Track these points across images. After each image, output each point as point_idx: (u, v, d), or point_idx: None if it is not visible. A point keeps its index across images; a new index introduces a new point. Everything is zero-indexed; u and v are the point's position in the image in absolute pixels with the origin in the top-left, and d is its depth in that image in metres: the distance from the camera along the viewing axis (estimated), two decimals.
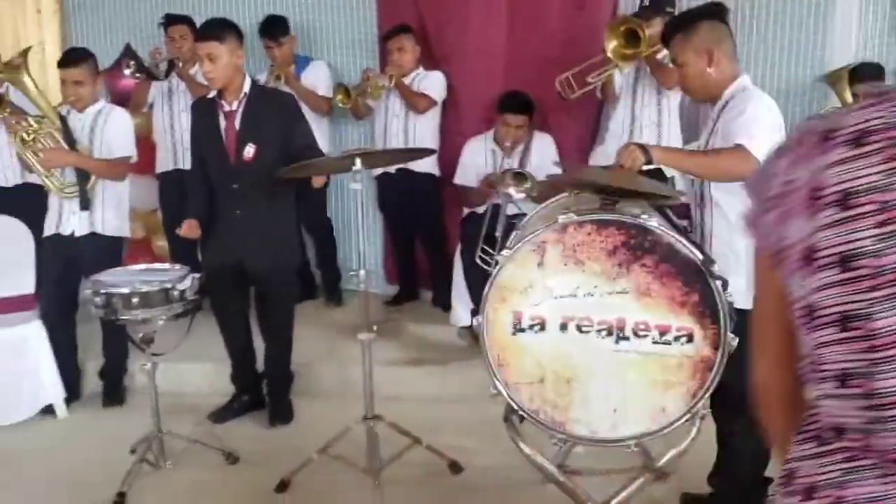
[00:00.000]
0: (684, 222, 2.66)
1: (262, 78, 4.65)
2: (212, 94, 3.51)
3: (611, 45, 3.90)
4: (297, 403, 3.81)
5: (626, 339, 2.37)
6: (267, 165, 3.39)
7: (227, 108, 3.47)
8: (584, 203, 2.59)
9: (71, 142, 3.83)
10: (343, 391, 3.94)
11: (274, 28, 4.68)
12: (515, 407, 2.45)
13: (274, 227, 3.53)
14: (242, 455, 3.38)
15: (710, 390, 2.31)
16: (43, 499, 3.15)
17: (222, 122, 3.47)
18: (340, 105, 4.54)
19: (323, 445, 3.08)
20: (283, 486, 3.06)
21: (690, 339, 2.31)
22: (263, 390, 3.81)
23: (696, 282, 2.28)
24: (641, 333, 2.35)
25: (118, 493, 3.04)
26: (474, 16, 4.56)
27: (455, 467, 3.15)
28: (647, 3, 4.13)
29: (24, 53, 4.02)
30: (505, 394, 2.44)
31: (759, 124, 2.37)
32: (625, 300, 2.35)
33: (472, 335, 4.10)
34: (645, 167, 2.48)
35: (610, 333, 2.37)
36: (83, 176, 3.82)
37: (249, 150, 3.43)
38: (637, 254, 2.32)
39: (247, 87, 3.47)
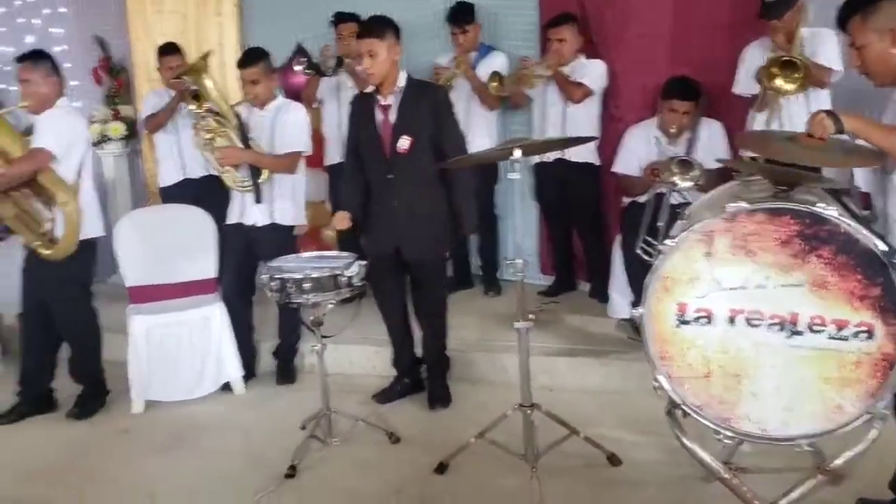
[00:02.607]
0: (866, 212, 2.50)
1: (443, 61, 4.75)
2: (370, 88, 3.63)
3: (773, 84, 3.72)
4: (455, 389, 3.89)
5: (800, 333, 2.26)
6: (420, 156, 3.52)
7: (382, 102, 3.58)
8: (755, 191, 2.48)
9: (245, 139, 4.06)
10: (499, 379, 4.01)
11: (460, 15, 4.74)
12: (679, 401, 2.39)
13: (427, 215, 3.62)
14: (403, 435, 3.50)
15: (893, 389, 2.16)
16: (223, 467, 3.38)
17: (378, 116, 3.59)
18: (494, 92, 4.56)
19: (480, 431, 3.13)
20: (442, 468, 3.14)
21: (870, 334, 2.17)
22: (423, 374, 3.91)
23: (878, 275, 2.15)
24: (816, 328, 2.24)
25: (290, 466, 3.22)
26: (637, 0, 4.46)
27: (613, 460, 3.11)
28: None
29: (205, 56, 4.32)
30: (668, 388, 2.39)
31: None
32: (799, 293, 2.24)
33: (632, 327, 4.05)
34: (835, 135, 2.35)
35: (782, 328, 2.27)
36: (256, 172, 4.06)
37: (404, 143, 3.54)
38: (813, 244, 2.21)
39: (402, 82, 3.56)
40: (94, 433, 3.84)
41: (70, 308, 3.96)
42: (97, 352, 4.08)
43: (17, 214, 3.80)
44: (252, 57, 4.09)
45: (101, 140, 5.91)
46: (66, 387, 4.10)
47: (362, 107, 3.67)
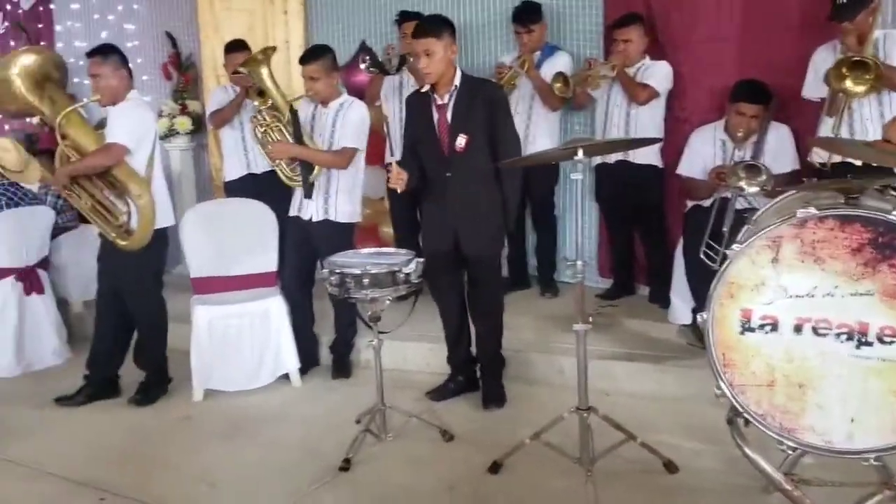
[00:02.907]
0: None
1: (507, 60, 4.74)
2: (425, 88, 3.65)
3: (842, 85, 3.61)
4: (509, 389, 3.87)
5: (869, 344, 2.20)
6: (477, 154, 3.53)
7: (439, 101, 3.60)
8: (824, 197, 2.42)
9: (298, 134, 4.12)
10: (556, 381, 3.99)
11: (525, 14, 4.71)
12: (741, 410, 2.34)
13: (484, 212, 3.62)
14: (457, 434, 3.50)
15: None
16: (279, 457, 3.43)
17: (435, 115, 3.61)
18: (558, 93, 4.53)
19: (535, 432, 3.11)
20: (495, 468, 3.13)
21: None
22: (477, 373, 3.91)
23: None
24: (887, 339, 2.18)
25: (344, 459, 3.25)
26: (706, 1, 4.38)
27: (671, 467, 3.06)
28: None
29: (265, 50, 4.42)
30: (730, 395, 2.35)
31: None
32: (869, 303, 2.19)
33: (693, 334, 3.99)
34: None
35: (850, 338, 2.21)
36: (306, 167, 4.11)
37: (461, 141, 3.55)
38: (885, 253, 2.15)
39: (457, 81, 3.57)
40: (157, 419, 3.94)
41: (142, 296, 4.07)
42: (163, 340, 4.19)
43: (93, 206, 3.92)
44: (313, 53, 4.16)
45: (169, 134, 6.07)
46: (130, 373, 4.21)
47: (419, 106, 3.69)
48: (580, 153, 2.80)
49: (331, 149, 4.12)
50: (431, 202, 3.72)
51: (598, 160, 4.56)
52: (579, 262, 2.92)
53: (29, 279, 4.79)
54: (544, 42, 4.78)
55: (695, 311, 3.89)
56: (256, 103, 4.52)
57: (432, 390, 3.94)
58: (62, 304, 5.14)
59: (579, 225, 2.98)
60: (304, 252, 4.23)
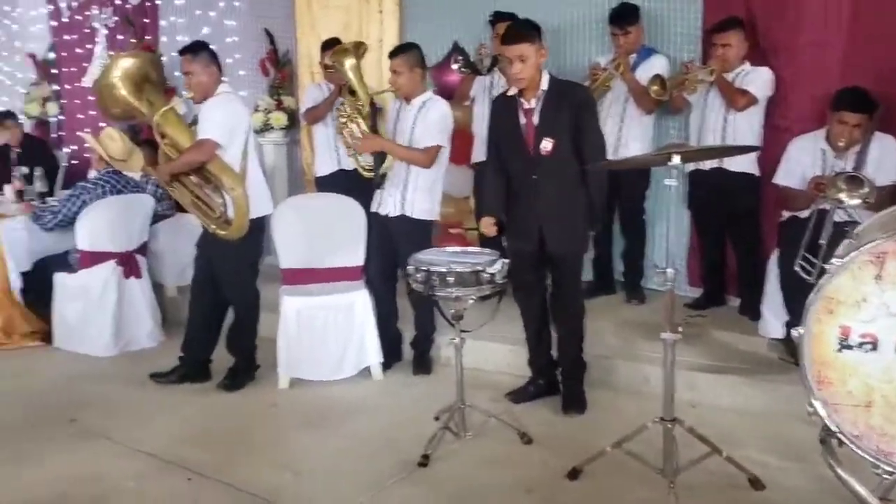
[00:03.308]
0: None
1: (602, 61, 4.71)
2: (512, 91, 3.64)
3: None
4: (591, 395, 3.83)
5: None
6: (563, 157, 3.52)
7: (526, 105, 3.58)
8: None
9: (374, 129, 4.23)
10: (638, 389, 3.93)
11: (622, 16, 4.65)
12: (835, 430, 2.26)
13: (570, 213, 3.60)
14: (536, 437, 3.48)
15: None
16: (360, 449, 3.49)
17: (522, 119, 3.60)
18: (654, 96, 4.45)
19: (617, 440, 3.07)
20: (574, 474, 3.11)
21: None
22: (558, 377, 3.88)
23: None
24: None
25: (423, 455, 3.29)
26: (810, 5, 4.23)
27: (756, 483, 2.97)
28: None
29: (356, 44, 4.54)
30: (824, 414, 2.27)
31: None
32: None
33: (785, 348, 3.87)
34: None
35: None
36: (379, 159, 4.22)
37: (547, 145, 3.53)
38: None
39: (545, 85, 3.55)
40: (244, 405, 4.06)
41: (238, 284, 4.21)
42: (254, 328, 4.31)
43: (193, 200, 4.07)
44: (399, 49, 4.26)
45: (264, 129, 6.23)
46: (222, 358, 4.36)
47: (505, 109, 3.68)
48: (676, 159, 2.75)
49: (411, 144, 4.16)
50: (517, 203, 3.71)
51: (691, 166, 4.45)
52: (670, 270, 2.86)
53: (128, 263, 5.01)
54: (640, 44, 4.70)
55: (787, 325, 3.77)
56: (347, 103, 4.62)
57: (512, 392, 3.94)
58: (157, 289, 5.34)
59: (670, 231, 2.92)
60: (386, 247, 4.29)
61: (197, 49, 4.11)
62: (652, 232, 4.99)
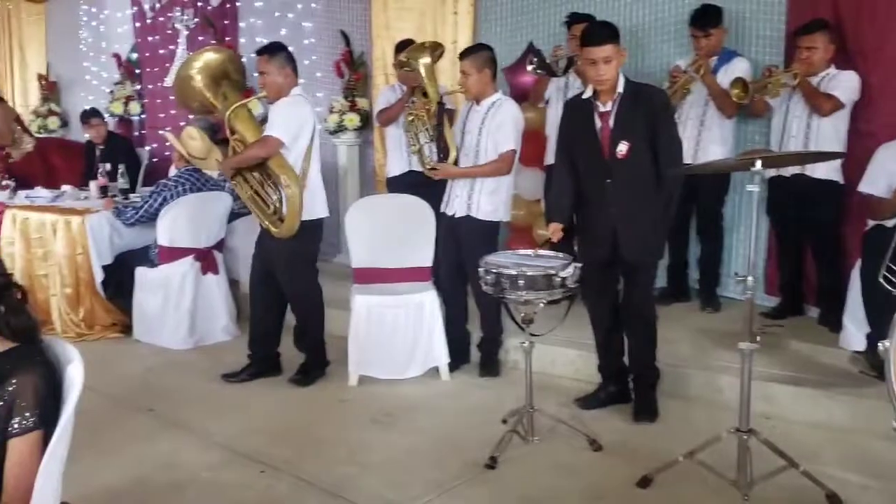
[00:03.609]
0: None
1: (682, 64, 4.64)
2: (588, 94, 3.60)
3: None
4: (662, 404, 3.76)
5: None
6: (639, 161, 3.46)
7: (601, 108, 3.54)
8: None
9: (440, 128, 4.30)
10: (711, 399, 3.85)
11: (704, 18, 4.55)
12: None
13: (644, 220, 3.53)
14: (605, 444, 3.44)
15: None
16: (427, 448, 3.50)
17: (597, 122, 3.55)
18: (736, 100, 4.34)
19: (690, 450, 3.01)
20: (645, 482, 3.05)
21: None
22: (629, 384, 3.83)
23: None
24: None
25: (491, 457, 3.28)
26: None
27: (834, 500, 2.87)
28: None
29: (433, 44, 4.58)
30: None
31: None
32: None
33: (867, 361, 3.73)
34: None
35: None
36: (444, 154, 4.26)
37: (622, 148, 3.48)
38: None
39: (621, 88, 3.50)
40: (314, 400, 4.12)
41: (295, 281, 4.27)
42: (319, 324, 4.37)
43: (251, 196, 4.16)
44: (467, 50, 4.28)
45: (337, 129, 6.33)
46: (295, 355, 4.43)
47: (579, 112, 3.64)
48: (758, 164, 2.68)
49: (478, 145, 4.18)
50: (589, 208, 3.67)
51: (772, 172, 4.33)
52: (750, 278, 2.79)
53: (206, 259, 5.14)
54: (722, 47, 4.60)
55: (870, 338, 3.64)
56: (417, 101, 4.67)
57: (581, 398, 3.90)
58: (233, 285, 5.47)
59: (752, 239, 2.85)
60: (454, 248, 4.30)
61: (274, 50, 4.18)
62: (730, 238, 4.88)
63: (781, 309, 4.60)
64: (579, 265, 3.33)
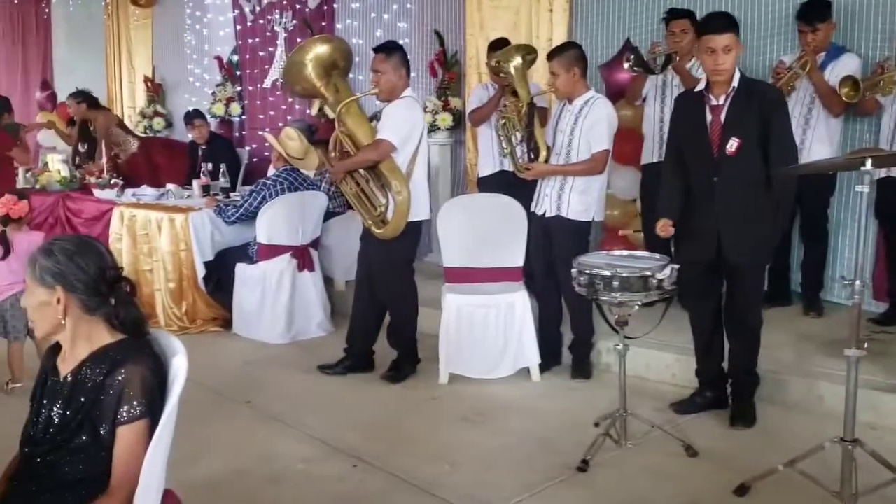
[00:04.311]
0: None
1: (787, 60, 4.49)
2: (699, 87, 3.50)
3: None
4: (760, 410, 3.65)
5: None
6: (749, 159, 3.34)
7: (713, 102, 3.44)
8: None
9: (531, 129, 4.29)
10: (811, 407, 3.72)
11: (813, 12, 4.38)
12: None
13: (752, 221, 3.41)
14: (701, 450, 3.35)
15: None
16: (517, 448, 3.49)
17: (708, 116, 3.45)
18: (845, 99, 4.15)
19: (791, 459, 2.90)
20: (742, 490, 2.96)
21: None
22: (727, 390, 3.72)
23: None
24: None
25: (583, 460, 3.24)
26: None
27: None
28: None
29: (528, 48, 4.61)
30: None
31: None
32: None
33: None
34: None
35: None
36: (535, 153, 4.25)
37: (732, 144, 3.37)
38: None
39: (735, 82, 3.40)
40: (405, 397, 4.18)
41: (392, 281, 4.33)
42: (413, 322, 4.43)
43: (357, 194, 4.23)
44: (555, 50, 4.25)
45: (430, 129, 6.36)
46: (385, 351, 4.50)
47: (690, 106, 3.55)
48: (868, 163, 2.56)
49: (570, 145, 4.14)
50: (695, 206, 3.55)
51: (882, 172, 4.14)
52: (858, 282, 2.67)
53: (302, 257, 5.27)
54: (830, 42, 4.41)
55: None
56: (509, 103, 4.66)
57: (677, 402, 3.81)
58: (327, 282, 5.59)
59: (860, 241, 2.72)
60: (546, 248, 4.27)
61: (391, 49, 4.23)
62: (835, 241, 4.68)
63: (890, 315, 4.39)
64: (676, 266, 3.25)
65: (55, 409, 1.90)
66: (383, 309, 4.47)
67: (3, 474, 1.99)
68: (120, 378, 1.85)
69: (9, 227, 4.31)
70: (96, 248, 1.96)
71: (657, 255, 3.43)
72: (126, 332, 1.95)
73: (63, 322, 1.90)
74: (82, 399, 1.87)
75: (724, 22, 3.35)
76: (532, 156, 4.33)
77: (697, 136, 3.48)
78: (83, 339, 1.92)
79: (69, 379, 1.91)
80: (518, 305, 4.28)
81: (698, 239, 3.53)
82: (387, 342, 4.49)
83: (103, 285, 1.91)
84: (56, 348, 2.00)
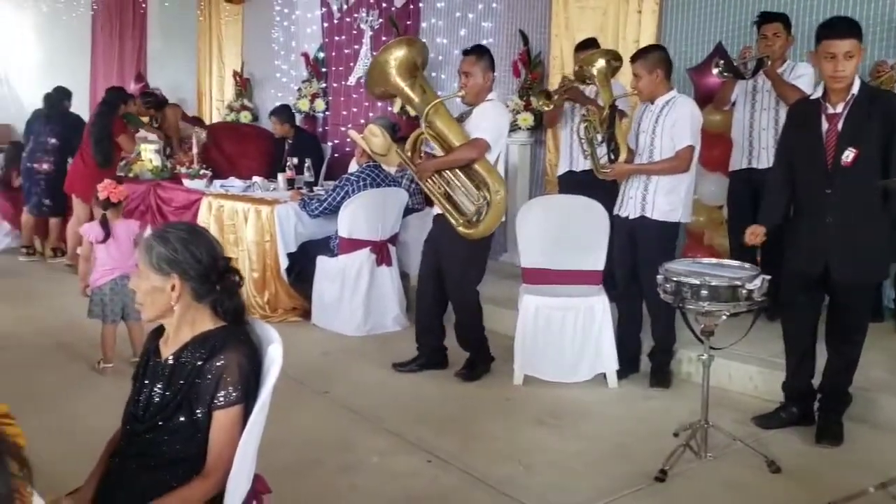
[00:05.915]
0: None
1: (891, 61, 4.33)
2: (816, 94, 3.39)
3: None
4: (849, 428, 3.53)
5: None
6: (865, 170, 3.21)
7: (830, 110, 3.32)
8: None
9: (612, 132, 4.22)
10: None
11: None
12: None
13: (865, 236, 3.29)
14: (783, 466, 3.26)
15: None
16: (593, 454, 3.46)
17: (824, 125, 3.33)
18: None
19: (882, 481, 2.81)
20: None
21: None
22: (814, 406, 3.61)
23: None
24: None
25: (661, 469, 3.19)
26: None
27: None
28: None
29: (612, 53, 4.57)
30: None
31: None
32: None
33: None
34: None
35: None
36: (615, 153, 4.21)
37: (849, 155, 3.24)
38: None
39: (855, 89, 3.28)
40: (480, 395, 4.18)
41: (463, 281, 4.32)
42: (479, 323, 4.41)
43: (445, 193, 4.23)
44: (638, 53, 4.23)
45: (511, 129, 6.34)
46: (459, 349, 4.50)
47: (805, 114, 3.43)
48: None
49: (652, 144, 4.09)
50: (804, 219, 3.44)
51: None
52: None
53: (381, 252, 5.33)
54: None
55: None
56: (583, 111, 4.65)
57: (760, 416, 3.71)
58: (403, 278, 5.63)
59: None
60: (630, 252, 4.21)
61: (482, 52, 4.26)
62: None
63: None
64: (768, 277, 3.16)
65: (156, 389, 1.98)
66: (445, 306, 4.48)
67: (105, 450, 2.08)
68: (219, 364, 1.91)
69: (108, 211, 4.47)
70: (207, 238, 2.02)
71: (747, 265, 3.33)
72: (227, 320, 2.01)
73: (174, 308, 1.96)
74: (181, 381, 1.94)
75: (846, 27, 3.24)
76: (613, 157, 4.28)
77: (811, 146, 3.35)
78: (188, 324, 1.99)
79: (170, 361, 1.98)
80: (598, 309, 4.24)
81: (805, 254, 3.42)
82: (456, 342, 4.49)
83: (214, 274, 1.98)
84: (159, 331, 2.07)
